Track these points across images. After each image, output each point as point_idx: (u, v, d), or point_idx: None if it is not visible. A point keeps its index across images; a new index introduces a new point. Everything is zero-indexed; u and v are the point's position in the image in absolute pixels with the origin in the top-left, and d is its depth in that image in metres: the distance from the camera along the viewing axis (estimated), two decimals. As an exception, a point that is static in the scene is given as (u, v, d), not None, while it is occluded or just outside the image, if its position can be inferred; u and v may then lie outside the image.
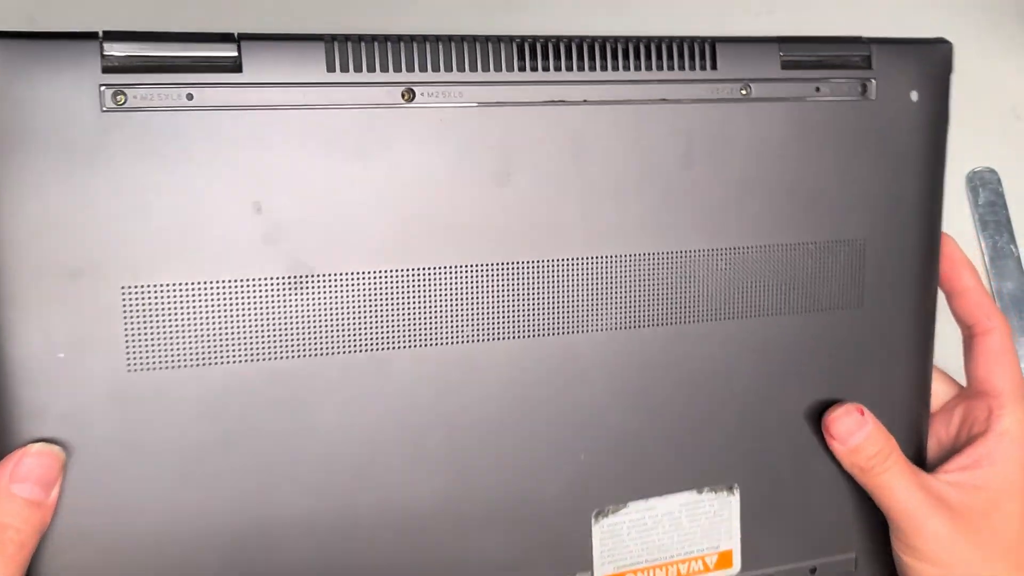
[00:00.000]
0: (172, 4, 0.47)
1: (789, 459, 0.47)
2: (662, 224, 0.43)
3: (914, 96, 0.46)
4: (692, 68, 0.42)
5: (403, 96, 0.39)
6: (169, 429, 0.37)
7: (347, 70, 0.38)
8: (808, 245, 0.45)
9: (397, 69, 0.38)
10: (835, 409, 0.46)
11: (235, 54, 0.36)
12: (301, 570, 0.40)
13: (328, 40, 0.37)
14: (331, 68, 0.38)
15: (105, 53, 0.35)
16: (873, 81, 0.45)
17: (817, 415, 0.47)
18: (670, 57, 0.42)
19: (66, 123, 0.35)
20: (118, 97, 0.35)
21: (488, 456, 0.42)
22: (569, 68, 0.41)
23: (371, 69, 0.38)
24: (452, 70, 0.39)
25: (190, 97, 0.36)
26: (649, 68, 0.42)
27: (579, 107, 0.41)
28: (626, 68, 0.41)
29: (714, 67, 0.43)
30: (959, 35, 0.48)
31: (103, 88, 0.35)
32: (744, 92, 0.43)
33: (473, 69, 0.39)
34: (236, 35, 0.37)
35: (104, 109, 0.35)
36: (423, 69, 0.39)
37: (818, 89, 0.44)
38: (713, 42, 0.42)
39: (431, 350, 0.40)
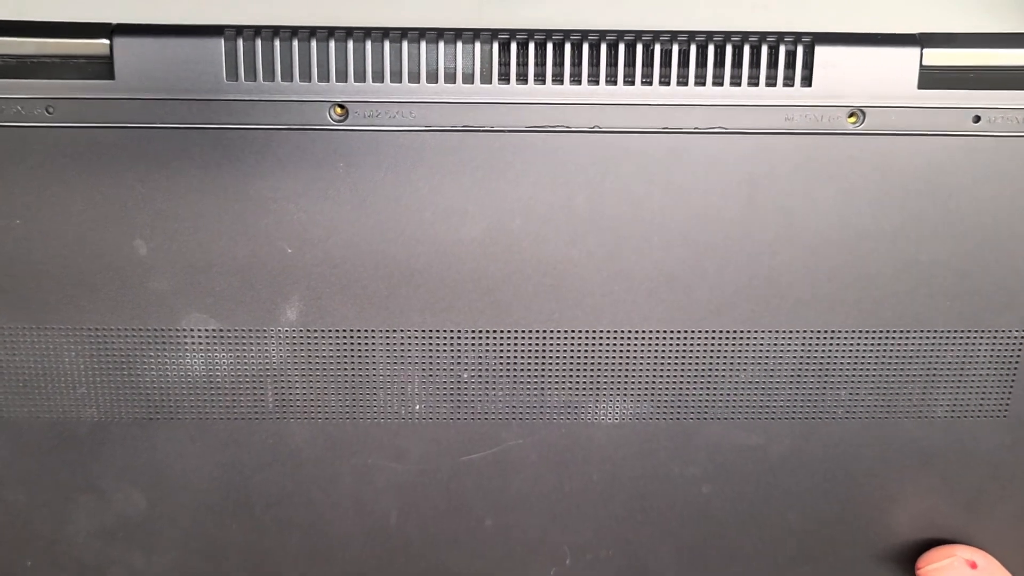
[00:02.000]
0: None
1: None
2: (713, 304, 0.31)
3: None
4: (771, 82, 0.28)
5: (332, 113, 0.28)
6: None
7: (253, 78, 0.28)
8: (936, 336, 0.31)
9: (324, 78, 0.28)
10: (933, 554, 0.34)
11: (106, 54, 0.27)
12: None
13: (230, 36, 0.27)
14: (232, 75, 0.28)
15: (-52, 49, 0.28)
16: (1079, 108, 0.29)
17: (912, 556, 0.34)
18: (736, 64, 0.28)
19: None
20: (-39, 108, 0.28)
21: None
22: (575, 79, 0.28)
23: (287, 78, 0.28)
24: (400, 80, 0.28)
25: (50, 111, 0.28)
26: (700, 80, 0.28)
27: (588, 137, 0.29)
28: (663, 79, 0.28)
29: (808, 81, 0.28)
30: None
31: (-59, 97, 0.28)
32: (853, 120, 0.29)
33: (432, 79, 0.28)
34: (112, 26, 0.27)
35: (-56, 123, 0.28)
36: (359, 79, 0.28)
37: (977, 119, 0.29)
38: (811, 42, 0.28)
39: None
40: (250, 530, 0.33)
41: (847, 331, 0.31)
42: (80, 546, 0.33)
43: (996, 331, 0.31)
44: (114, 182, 0.28)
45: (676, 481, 0.33)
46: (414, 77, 0.28)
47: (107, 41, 0.27)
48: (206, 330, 0.30)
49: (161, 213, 0.29)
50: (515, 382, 0.32)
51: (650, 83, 0.28)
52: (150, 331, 0.30)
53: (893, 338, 0.31)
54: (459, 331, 0.31)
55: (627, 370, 0.31)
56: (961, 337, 0.31)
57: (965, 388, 0.32)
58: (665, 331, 0.31)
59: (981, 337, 0.31)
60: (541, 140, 0.29)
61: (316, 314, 0.30)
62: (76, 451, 0.32)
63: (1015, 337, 0.31)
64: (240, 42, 0.27)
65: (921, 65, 0.28)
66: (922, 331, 0.31)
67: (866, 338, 0.31)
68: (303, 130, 0.28)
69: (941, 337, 0.31)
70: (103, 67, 0.28)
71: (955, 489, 0.34)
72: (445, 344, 0.31)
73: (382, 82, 0.28)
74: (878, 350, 0.32)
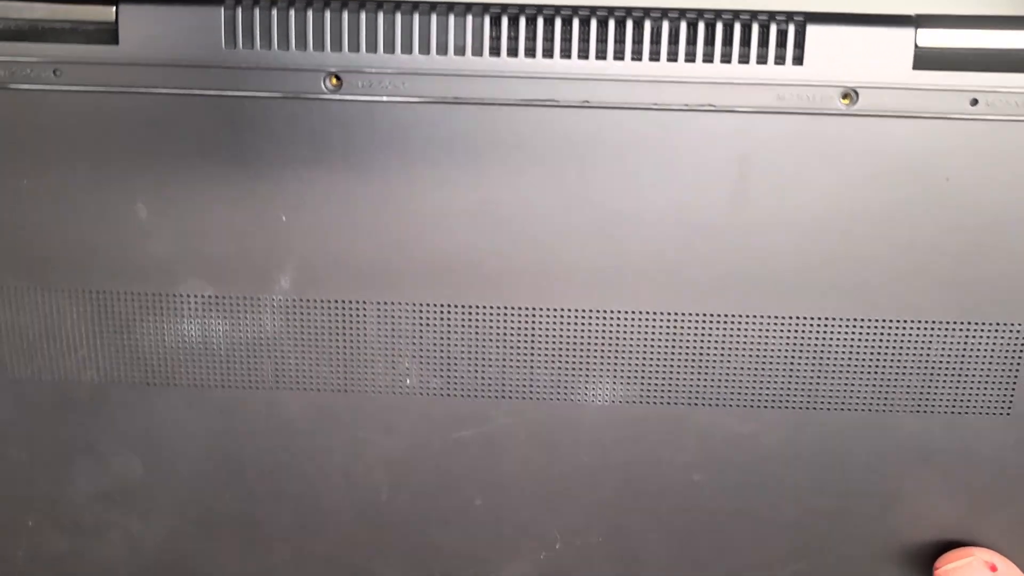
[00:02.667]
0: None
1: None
2: (703, 286, 0.30)
3: None
4: (762, 60, 0.28)
5: (327, 82, 0.29)
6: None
7: (251, 46, 0.29)
8: (933, 327, 0.31)
9: (319, 48, 0.29)
10: (952, 555, 0.33)
11: (111, 20, 0.28)
12: None
13: (229, 4, 0.28)
14: (231, 43, 0.29)
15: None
16: (1081, 93, 0.28)
17: (925, 559, 0.34)
18: (726, 42, 0.28)
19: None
20: (-26, 70, 0.29)
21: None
22: (566, 54, 0.28)
23: (283, 46, 0.29)
24: (394, 51, 0.29)
25: (57, 74, 0.29)
26: (690, 57, 0.28)
27: (578, 112, 0.29)
28: (653, 55, 0.28)
29: (799, 60, 0.28)
30: None
31: (-44, 59, 0.29)
32: (847, 101, 0.29)
33: (424, 50, 0.28)
34: (118, -7, 0.29)
35: (-41, 84, 0.29)
36: (353, 48, 0.29)
37: (975, 102, 0.28)
38: (803, 21, 0.28)
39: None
40: (242, 500, 0.34)
41: (840, 319, 0.31)
42: (79, 507, 0.34)
43: (997, 324, 0.31)
44: (117, 145, 0.29)
45: (666, 468, 0.33)
46: (407, 48, 0.28)
47: (113, 8, 0.28)
48: (202, 296, 0.31)
49: (161, 177, 0.30)
50: (504, 359, 0.32)
51: (640, 59, 0.28)
52: (148, 295, 0.31)
53: (888, 327, 0.31)
54: (449, 305, 0.31)
55: (615, 351, 0.31)
56: (960, 329, 0.31)
57: (965, 383, 0.31)
58: (653, 312, 0.31)
59: (981, 330, 0.31)
60: (533, 114, 0.29)
61: (309, 283, 0.31)
62: (76, 413, 0.33)
63: (1017, 331, 0.31)
64: (239, 11, 0.28)
65: (916, 46, 0.28)
66: (918, 321, 0.31)
67: (859, 327, 0.31)
68: (298, 99, 0.29)
69: (939, 328, 0.31)
70: (108, 33, 0.29)
71: (955, 489, 0.33)
72: (435, 318, 0.31)
73: (375, 52, 0.28)
74: (872, 340, 0.31)
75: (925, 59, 0.28)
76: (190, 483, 0.34)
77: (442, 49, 0.28)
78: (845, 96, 0.28)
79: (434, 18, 0.28)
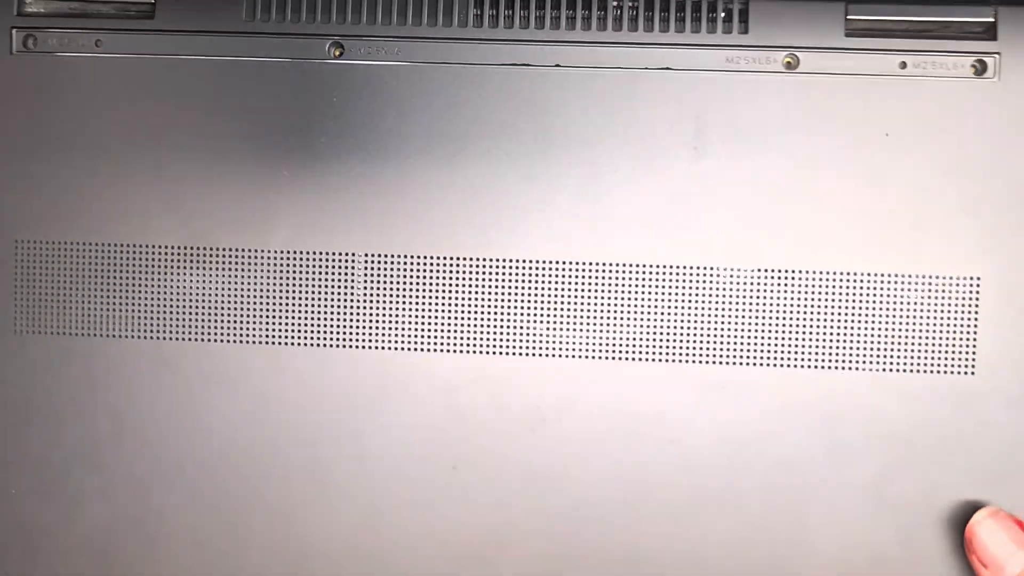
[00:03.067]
0: None
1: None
2: (654, 235, 0.33)
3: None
4: (712, 29, 0.32)
5: (331, 51, 0.33)
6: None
7: (267, 19, 0.33)
8: (877, 279, 0.33)
9: (325, 19, 0.33)
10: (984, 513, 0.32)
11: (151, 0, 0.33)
12: None
13: (251, -17, 0.33)
14: (250, 16, 0.33)
15: (24, -5, 0.34)
16: (997, 57, 0.32)
17: (899, 524, 0.33)
18: (679, 14, 0.32)
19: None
20: (29, 40, 0.33)
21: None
22: (539, 24, 0.33)
23: (295, 19, 0.33)
24: (390, 22, 0.33)
25: (98, 44, 0.33)
26: (649, 26, 0.32)
27: (550, 72, 0.33)
28: (616, 24, 0.32)
29: (744, 29, 0.32)
30: None
31: (14, 31, 0.34)
32: (789, 63, 0.32)
33: (416, 22, 0.33)
34: (155, -21, 0.33)
35: (14, 52, 0.34)
36: (355, 20, 0.33)
37: (904, 65, 0.32)
38: (746, -1, 0.32)
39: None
40: (221, 458, 0.34)
41: (790, 271, 0.32)
42: (64, 469, 0.35)
43: (951, 277, 0.32)
44: (147, 109, 0.33)
45: (639, 426, 0.33)
46: (402, 19, 0.33)
47: (155, -11, 0.33)
48: (209, 248, 0.34)
49: (182, 134, 0.33)
50: (498, 311, 0.33)
51: (605, 29, 0.32)
52: (157, 248, 0.34)
53: (837, 280, 0.32)
54: (437, 257, 0.33)
55: (583, 304, 0.33)
56: (911, 282, 0.32)
57: (924, 340, 0.32)
58: (610, 263, 0.33)
59: (934, 282, 0.32)
60: (514, 74, 0.33)
61: (304, 235, 0.33)
62: (80, 371, 0.34)
63: (972, 284, 0.32)
64: None
65: (847, 18, 0.32)
66: (869, 274, 0.32)
67: (811, 279, 0.32)
68: (306, 62, 0.33)
69: (888, 281, 0.32)
70: (146, 9, 0.33)
71: (918, 454, 0.33)
72: (421, 270, 0.33)
73: (374, 23, 0.33)
74: (823, 293, 0.32)
75: (856, 29, 0.32)
76: (188, 447, 0.34)
77: (432, 19, 0.33)
78: (788, 58, 0.32)
79: None
